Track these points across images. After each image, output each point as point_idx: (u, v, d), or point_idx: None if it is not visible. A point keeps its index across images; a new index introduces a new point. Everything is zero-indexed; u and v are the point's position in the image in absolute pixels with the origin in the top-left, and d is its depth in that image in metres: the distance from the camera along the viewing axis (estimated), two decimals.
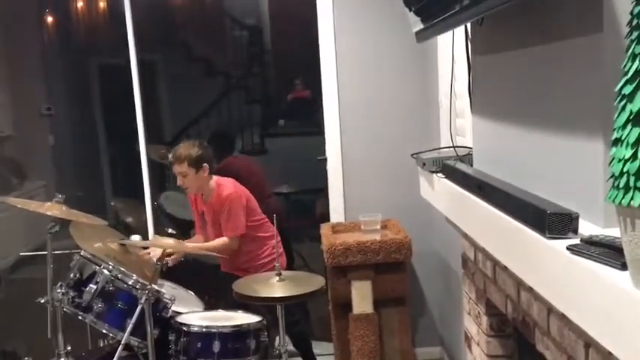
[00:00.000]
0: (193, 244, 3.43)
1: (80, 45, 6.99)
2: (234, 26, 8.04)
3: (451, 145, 2.55)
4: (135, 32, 3.87)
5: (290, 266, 4.13)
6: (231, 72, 8.08)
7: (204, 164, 3.31)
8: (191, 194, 3.49)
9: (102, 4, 6.86)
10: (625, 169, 0.97)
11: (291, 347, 3.29)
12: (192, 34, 7.83)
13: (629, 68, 0.98)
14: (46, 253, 2.82)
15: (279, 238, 3.59)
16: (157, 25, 7.12)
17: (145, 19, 4.55)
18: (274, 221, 2.93)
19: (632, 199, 0.95)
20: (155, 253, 3.04)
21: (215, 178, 3.42)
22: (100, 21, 6.86)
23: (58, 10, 6.60)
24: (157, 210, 4.46)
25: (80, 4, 6.90)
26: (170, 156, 3.37)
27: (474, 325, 2.46)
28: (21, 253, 4.30)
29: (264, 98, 8.37)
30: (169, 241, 2.73)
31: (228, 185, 3.40)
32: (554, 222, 1.34)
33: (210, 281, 3.86)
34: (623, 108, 0.99)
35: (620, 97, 1.00)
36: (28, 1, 5.64)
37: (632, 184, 0.96)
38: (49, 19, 6.52)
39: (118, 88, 4.43)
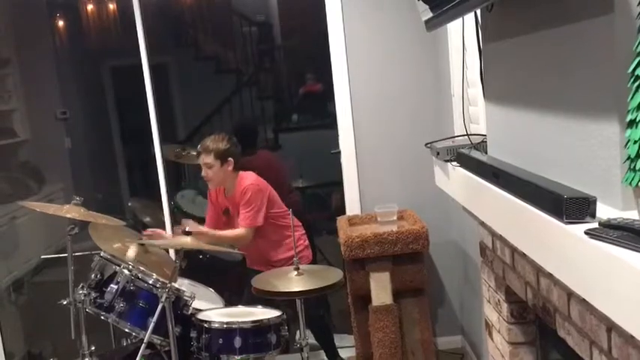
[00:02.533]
0: (207, 229, 3.42)
1: (92, 48, 7.03)
2: (244, 23, 8.04)
3: (465, 133, 2.54)
4: (145, 33, 3.88)
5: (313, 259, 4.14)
6: (243, 69, 8.09)
7: (230, 158, 3.38)
8: (212, 187, 3.53)
9: (112, 7, 6.90)
10: None
11: (311, 341, 3.31)
12: (202, 33, 7.85)
13: None
14: (66, 255, 2.85)
15: (302, 231, 3.62)
16: (167, 25, 7.16)
17: (154, 19, 4.58)
18: (291, 216, 2.95)
19: None
20: (188, 223, 3.19)
21: (239, 173, 3.46)
22: (110, 23, 6.90)
23: (68, 13, 6.65)
24: (174, 209, 4.49)
25: (90, 7, 6.94)
26: (198, 146, 3.45)
27: (494, 312, 2.45)
28: (42, 256, 4.35)
29: (276, 94, 8.38)
30: (185, 240, 2.75)
31: (248, 178, 3.44)
32: (571, 207, 1.33)
33: (231, 278, 3.89)
34: (637, 89, 0.98)
35: (633, 79, 0.99)
36: (38, 6, 5.68)
37: None
38: (60, 23, 6.56)
39: (131, 90, 4.46)
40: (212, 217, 3.63)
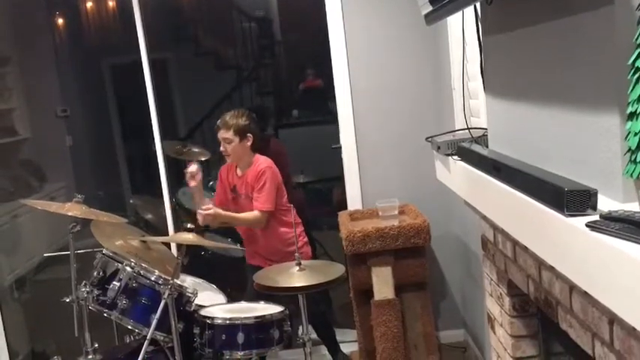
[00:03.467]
0: (226, 213, 3.43)
1: (92, 45, 7.03)
2: (243, 19, 8.03)
3: (466, 127, 2.54)
4: (144, 30, 3.88)
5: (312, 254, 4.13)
6: (242, 64, 8.08)
7: (249, 134, 3.40)
8: (231, 162, 3.52)
9: (111, 4, 6.89)
10: None
11: (314, 336, 3.32)
12: (202, 29, 7.83)
13: None
14: (68, 253, 2.86)
15: (302, 228, 3.62)
16: (166, 22, 7.14)
17: (153, 16, 4.57)
18: (292, 212, 2.96)
19: None
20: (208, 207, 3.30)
21: (255, 154, 3.47)
22: (109, 20, 6.89)
23: (67, 11, 6.64)
24: (176, 206, 4.49)
25: (89, 4, 6.93)
26: (218, 121, 3.45)
27: (496, 306, 2.45)
28: (45, 254, 4.35)
29: (276, 89, 8.37)
30: (188, 237, 2.75)
31: (265, 161, 3.46)
32: (572, 199, 1.33)
33: (233, 274, 3.90)
34: (637, 81, 0.98)
35: (633, 71, 0.99)
36: (37, 4, 5.67)
37: None
38: (60, 20, 6.55)
39: (131, 87, 4.46)
40: (220, 195, 3.62)
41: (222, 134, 3.39)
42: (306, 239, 3.60)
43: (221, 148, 3.45)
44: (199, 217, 3.33)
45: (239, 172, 3.51)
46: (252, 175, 3.41)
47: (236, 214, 3.44)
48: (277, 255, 3.41)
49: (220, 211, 3.39)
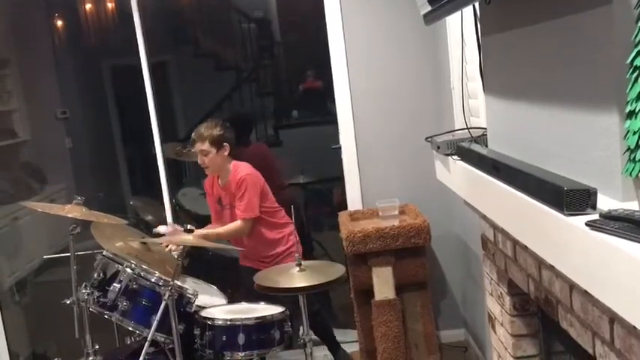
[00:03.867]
0: (207, 231, 3.41)
1: (91, 47, 7.02)
2: (242, 19, 8.03)
3: (465, 126, 2.54)
4: (144, 31, 3.89)
5: (309, 255, 4.13)
6: (242, 66, 8.08)
7: (225, 144, 3.38)
8: (211, 173, 3.52)
9: (110, 5, 6.88)
10: None
11: (315, 337, 3.32)
12: (201, 30, 7.83)
13: None
14: (69, 254, 2.86)
15: (292, 228, 3.60)
16: (166, 23, 7.14)
17: (153, 17, 4.57)
18: (292, 213, 2.95)
19: None
20: (173, 247, 3.13)
21: (232, 161, 3.46)
22: (109, 22, 6.88)
23: (67, 13, 6.63)
24: (176, 207, 4.50)
25: (89, 6, 6.93)
26: (192, 134, 3.44)
27: (496, 305, 2.45)
28: (45, 257, 4.35)
29: (276, 90, 8.37)
30: (186, 237, 2.75)
31: (244, 168, 3.44)
32: (572, 198, 1.33)
33: (233, 275, 3.89)
34: (636, 80, 0.98)
35: (632, 70, 0.99)
36: (36, 6, 5.67)
37: None
38: (59, 22, 6.55)
39: (131, 89, 4.46)
40: (212, 208, 3.63)
41: (199, 147, 3.37)
42: (297, 238, 3.55)
43: (199, 161, 3.43)
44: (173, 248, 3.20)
45: (220, 182, 3.51)
46: (234, 185, 3.40)
47: (218, 230, 3.42)
48: (267, 258, 3.41)
49: (199, 231, 3.26)
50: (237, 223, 3.39)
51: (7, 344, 3.97)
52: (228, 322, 2.77)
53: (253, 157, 3.78)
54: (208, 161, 3.38)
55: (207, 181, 3.60)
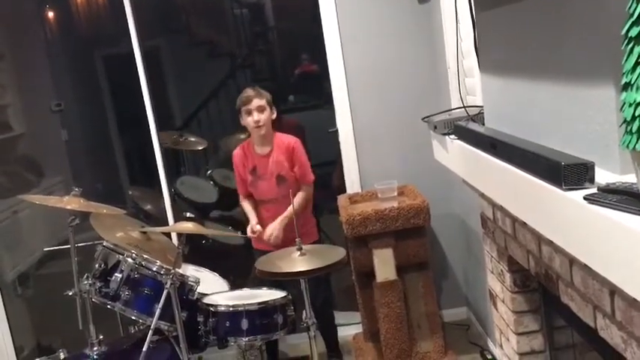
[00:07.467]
0: (282, 217, 3.36)
1: (83, 37, 6.97)
2: (235, 5, 7.96)
3: (461, 105, 2.53)
4: (135, 20, 3.85)
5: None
6: (236, 52, 8.03)
7: (274, 108, 3.41)
8: (264, 133, 3.39)
9: None
10: (637, 114, 0.96)
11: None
12: (194, 17, 7.77)
13: (635, 10, 0.96)
14: (69, 246, 2.86)
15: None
16: (157, 11, 7.08)
17: (144, 5, 4.53)
18: (291, 197, 2.95)
19: None
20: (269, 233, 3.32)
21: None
22: (100, 11, 6.83)
23: (57, 4, 6.58)
24: (174, 196, 4.49)
25: None
26: (243, 95, 3.42)
27: (497, 282, 2.46)
28: (45, 249, 4.35)
29: (271, 75, 8.32)
30: (187, 225, 2.75)
31: (290, 136, 3.47)
32: (569, 173, 1.33)
33: (234, 261, 3.90)
34: (631, 51, 0.97)
35: (627, 40, 0.98)
36: None
37: None
38: (50, 14, 6.50)
39: (125, 78, 4.43)
40: (240, 184, 3.56)
41: (257, 102, 3.31)
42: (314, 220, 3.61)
43: (256, 118, 3.30)
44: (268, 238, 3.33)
45: (259, 150, 3.43)
46: (282, 150, 3.37)
47: (289, 210, 3.23)
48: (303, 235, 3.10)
49: (277, 221, 3.34)
50: (300, 194, 3.41)
51: (12, 337, 3.98)
52: (231, 308, 2.78)
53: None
54: (265, 118, 3.34)
55: (237, 153, 3.51)
